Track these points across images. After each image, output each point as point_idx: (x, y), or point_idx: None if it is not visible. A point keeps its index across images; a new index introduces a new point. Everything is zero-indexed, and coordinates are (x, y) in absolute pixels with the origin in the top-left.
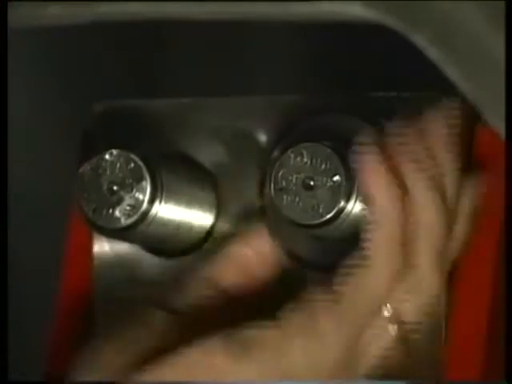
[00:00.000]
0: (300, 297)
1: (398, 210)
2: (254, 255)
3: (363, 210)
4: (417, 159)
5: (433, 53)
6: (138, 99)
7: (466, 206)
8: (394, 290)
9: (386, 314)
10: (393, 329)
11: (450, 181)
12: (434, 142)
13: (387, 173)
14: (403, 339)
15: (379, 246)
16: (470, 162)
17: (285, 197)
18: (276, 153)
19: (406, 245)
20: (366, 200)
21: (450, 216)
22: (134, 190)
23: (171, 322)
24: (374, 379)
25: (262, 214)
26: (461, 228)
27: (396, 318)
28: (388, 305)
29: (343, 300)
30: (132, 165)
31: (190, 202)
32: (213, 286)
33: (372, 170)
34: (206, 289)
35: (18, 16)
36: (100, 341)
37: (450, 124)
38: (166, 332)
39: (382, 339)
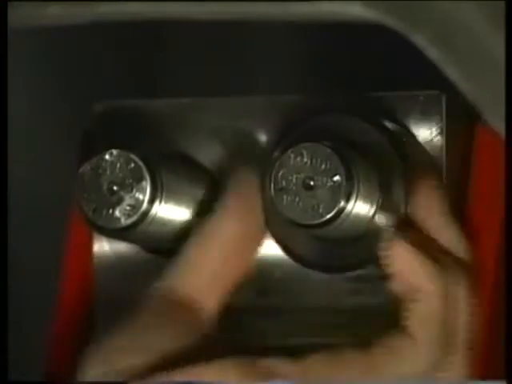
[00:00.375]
0: (332, 347)
1: (446, 297)
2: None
3: (368, 204)
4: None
5: (433, 53)
6: (138, 99)
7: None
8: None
9: None
10: None
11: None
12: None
13: (426, 257)
14: None
15: (425, 336)
16: (469, 166)
17: (285, 197)
18: (276, 153)
19: (447, 339)
20: (408, 289)
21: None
22: (134, 190)
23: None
24: None
25: (262, 213)
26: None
27: None
28: None
29: (376, 370)
30: (132, 165)
31: (189, 202)
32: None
33: (416, 260)
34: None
35: (18, 16)
36: (108, 339)
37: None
38: (176, 337)
39: None
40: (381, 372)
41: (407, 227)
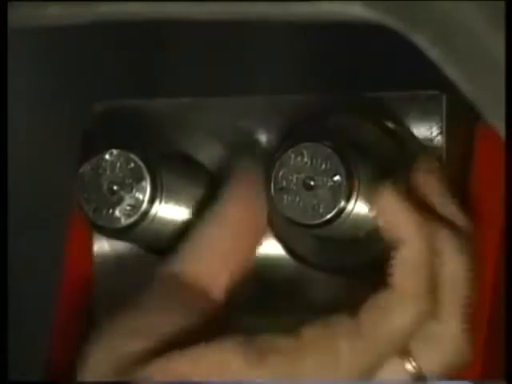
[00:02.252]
0: (323, 316)
1: (428, 249)
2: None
3: (368, 204)
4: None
5: (433, 53)
6: (138, 99)
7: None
8: (416, 334)
9: (406, 361)
10: (409, 375)
11: (460, 231)
12: (433, 196)
13: (418, 213)
14: None
15: (407, 284)
16: (469, 166)
17: (285, 196)
18: (277, 153)
19: (432, 291)
20: (394, 241)
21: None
22: (134, 190)
23: (182, 311)
24: None
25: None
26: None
27: (415, 365)
28: (409, 352)
29: (366, 330)
30: (132, 165)
31: (189, 201)
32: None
33: (397, 209)
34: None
35: (18, 16)
36: (110, 325)
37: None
38: (178, 320)
39: (397, 378)
40: (371, 334)
41: (402, 186)
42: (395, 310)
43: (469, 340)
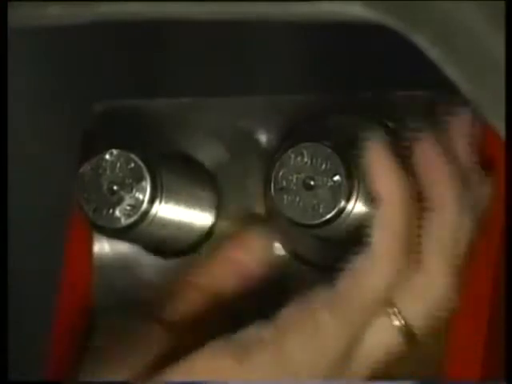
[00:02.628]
0: (297, 295)
1: (407, 207)
2: (248, 258)
3: (368, 204)
4: (440, 160)
5: (433, 53)
6: (138, 99)
7: (478, 209)
8: (397, 289)
9: (393, 317)
10: (397, 329)
11: (472, 184)
12: (458, 145)
13: (399, 169)
14: (407, 340)
15: (382, 244)
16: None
17: (285, 196)
18: (277, 153)
19: (412, 244)
20: (372, 194)
21: (469, 219)
22: (134, 190)
23: (169, 336)
24: (375, 377)
25: (265, 213)
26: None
27: (401, 320)
28: (394, 307)
29: (343, 295)
30: (132, 165)
31: (189, 201)
32: (207, 291)
33: (382, 165)
34: (201, 295)
35: (18, 16)
36: (99, 356)
37: (472, 131)
38: (165, 346)
39: (383, 338)
40: (349, 298)
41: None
42: (370, 271)
43: (455, 289)
